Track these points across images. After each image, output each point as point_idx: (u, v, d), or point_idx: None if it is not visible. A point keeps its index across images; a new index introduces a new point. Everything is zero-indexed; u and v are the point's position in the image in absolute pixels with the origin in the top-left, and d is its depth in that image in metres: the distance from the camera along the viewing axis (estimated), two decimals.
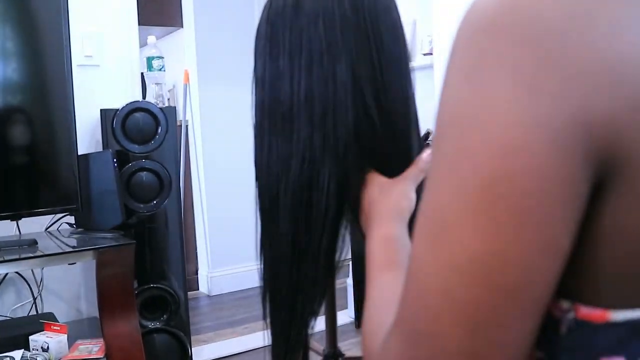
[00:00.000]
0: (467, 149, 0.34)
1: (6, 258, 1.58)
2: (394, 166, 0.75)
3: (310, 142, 0.71)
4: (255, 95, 0.78)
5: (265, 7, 0.77)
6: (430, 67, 2.41)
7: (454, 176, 0.35)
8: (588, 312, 0.37)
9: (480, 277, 0.34)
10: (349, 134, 0.71)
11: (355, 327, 2.76)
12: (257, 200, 0.80)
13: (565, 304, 0.38)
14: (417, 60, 2.98)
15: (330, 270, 0.77)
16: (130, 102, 2.08)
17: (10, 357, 1.63)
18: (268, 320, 0.81)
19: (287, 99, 0.72)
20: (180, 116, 3.56)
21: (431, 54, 2.70)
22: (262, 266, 0.80)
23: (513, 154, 0.33)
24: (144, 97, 2.50)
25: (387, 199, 0.70)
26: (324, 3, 0.71)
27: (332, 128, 0.71)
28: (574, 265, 0.36)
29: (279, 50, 0.73)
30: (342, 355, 1.01)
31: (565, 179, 0.33)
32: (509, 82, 0.33)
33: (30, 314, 2.07)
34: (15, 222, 1.81)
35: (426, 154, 0.72)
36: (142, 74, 2.41)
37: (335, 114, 0.71)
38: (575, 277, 0.37)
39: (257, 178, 0.79)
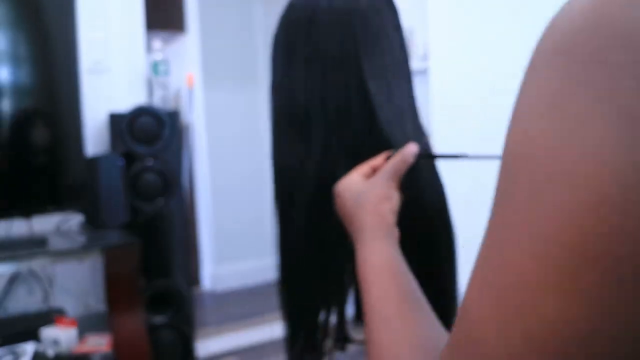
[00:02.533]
0: (547, 199, 0.27)
1: (18, 255, 1.65)
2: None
3: (326, 147, 0.73)
4: (272, 100, 0.81)
5: (281, 16, 0.79)
6: (425, 72, 2.45)
7: (530, 230, 0.28)
8: None
9: (554, 348, 0.28)
10: (364, 140, 0.73)
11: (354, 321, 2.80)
12: (274, 201, 0.80)
13: None
14: (412, 65, 3.02)
15: (345, 265, 0.76)
16: (137, 106, 2.14)
17: (22, 349, 1.70)
18: (283, 311, 0.80)
19: (302, 105, 0.75)
20: (185, 119, 3.62)
21: (427, 59, 2.75)
22: (280, 259, 0.80)
23: (607, 210, 0.26)
24: (150, 100, 2.57)
25: (364, 211, 0.62)
26: (339, 17, 0.74)
27: (347, 133, 0.73)
28: None
29: (295, 59, 0.76)
30: (350, 340, 0.98)
31: None
32: (599, 116, 0.26)
33: (41, 309, 2.14)
34: (26, 221, 1.88)
35: (412, 145, 0.69)
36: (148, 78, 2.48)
37: (349, 121, 0.73)
38: None
39: (274, 180, 0.80)
